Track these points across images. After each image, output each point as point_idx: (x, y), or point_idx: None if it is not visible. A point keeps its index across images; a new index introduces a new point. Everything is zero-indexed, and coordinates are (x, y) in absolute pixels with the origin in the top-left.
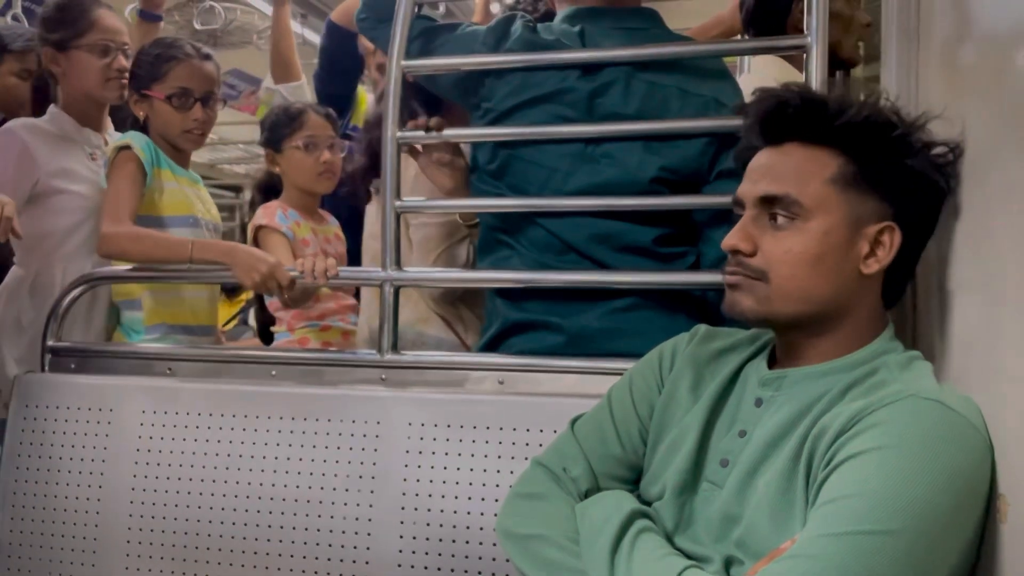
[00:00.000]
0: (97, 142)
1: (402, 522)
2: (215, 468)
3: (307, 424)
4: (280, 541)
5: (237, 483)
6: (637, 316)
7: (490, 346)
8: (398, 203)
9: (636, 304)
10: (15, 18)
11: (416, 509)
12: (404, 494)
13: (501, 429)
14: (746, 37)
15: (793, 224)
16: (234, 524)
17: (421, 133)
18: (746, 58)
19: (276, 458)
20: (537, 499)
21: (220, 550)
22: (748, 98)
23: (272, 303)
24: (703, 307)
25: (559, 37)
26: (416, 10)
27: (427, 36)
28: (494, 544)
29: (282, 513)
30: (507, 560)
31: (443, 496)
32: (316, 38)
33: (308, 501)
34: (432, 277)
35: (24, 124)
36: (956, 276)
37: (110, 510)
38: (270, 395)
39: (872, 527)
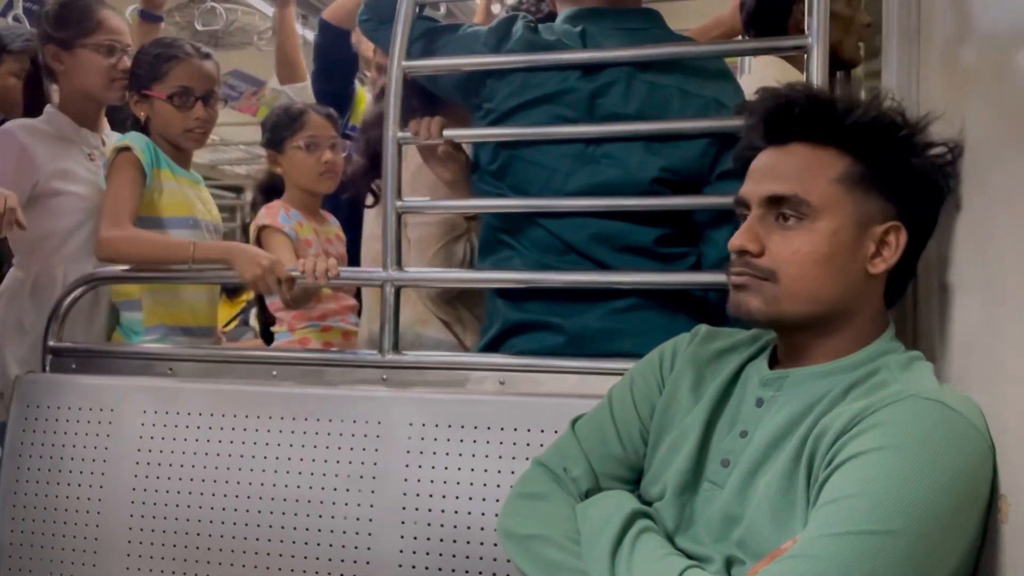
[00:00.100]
0: (95, 142)
1: (403, 522)
2: (216, 468)
3: (308, 424)
4: (281, 541)
5: (238, 483)
6: (638, 316)
7: (491, 346)
8: (399, 203)
9: (637, 304)
10: (16, 19)
11: (417, 509)
12: (405, 494)
13: (502, 429)
14: (747, 38)
15: (801, 224)
16: (235, 524)
17: (422, 134)
18: (747, 59)
19: (277, 458)
20: (538, 499)
21: (221, 550)
22: (749, 99)
23: (273, 303)
24: (704, 308)
25: (560, 37)
26: (417, 11)
27: (429, 37)
28: (495, 544)
29: (283, 513)
30: (508, 560)
31: (444, 496)
32: None
33: (309, 501)
34: (433, 277)
35: (22, 125)
36: (957, 276)
37: (111, 510)
38: (271, 395)
39: (873, 527)
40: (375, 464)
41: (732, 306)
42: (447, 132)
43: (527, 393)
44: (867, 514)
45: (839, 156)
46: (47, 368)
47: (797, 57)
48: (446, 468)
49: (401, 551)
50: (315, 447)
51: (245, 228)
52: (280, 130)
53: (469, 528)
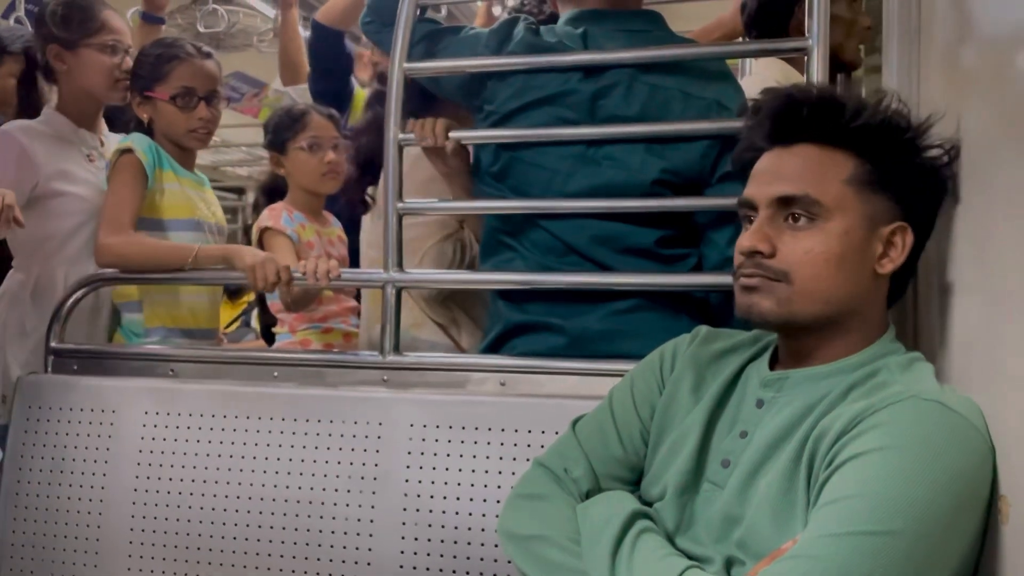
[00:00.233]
0: (93, 143)
1: (403, 523)
2: (217, 469)
3: (309, 425)
4: (282, 542)
5: (239, 484)
6: (639, 318)
7: (492, 348)
8: (400, 204)
9: (638, 306)
10: (18, 21)
11: (418, 510)
12: (406, 495)
13: (503, 430)
14: (748, 39)
15: (813, 224)
16: (236, 525)
17: (428, 137)
18: (748, 60)
19: (278, 459)
20: (538, 500)
21: (222, 551)
22: (755, 99)
23: (274, 304)
24: (705, 309)
25: (562, 39)
26: (419, 13)
27: (431, 39)
28: (496, 545)
29: (284, 514)
30: (508, 561)
31: (444, 497)
32: None
33: (310, 502)
34: (434, 278)
35: (20, 126)
36: (957, 277)
37: (112, 511)
38: (272, 396)
39: (873, 528)
40: (376, 465)
41: (742, 308)
42: (452, 134)
43: (528, 394)
44: (867, 514)
45: (847, 157)
46: (49, 369)
47: (798, 59)
48: (447, 469)
49: (402, 552)
50: (316, 448)
51: (247, 230)
52: (282, 131)
53: (470, 529)
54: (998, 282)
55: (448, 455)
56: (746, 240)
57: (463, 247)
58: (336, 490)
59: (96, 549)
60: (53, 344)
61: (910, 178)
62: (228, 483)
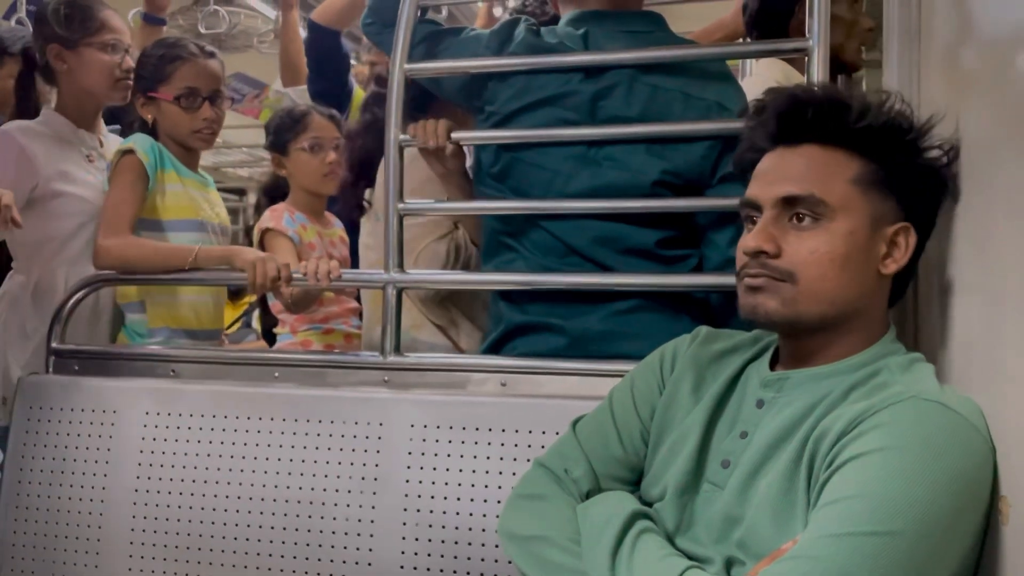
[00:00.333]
0: (93, 143)
1: (404, 524)
2: (218, 469)
3: (310, 426)
4: (283, 543)
5: (240, 484)
6: (640, 318)
7: (493, 348)
8: (401, 205)
9: (639, 306)
10: (20, 22)
11: (418, 511)
12: (406, 496)
13: (503, 431)
14: (749, 40)
15: (818, 224)
16: (237, 525)
17: (430, 138)
18: (748, 61)
19: (279, 459)
20: (538, 500)
21: (223, 551)
22: (758, 99)
23: (275, 305)
24: (706, 310)
25: (562, 40)
26: (419, 14)
27: (431, 40)
28: (496, 546)
29: (284, 514)
30: (509, 562)
31: (445, 498)
32: None
33: (311, 502)
34: (435, 279)
35: (19, 127)
36: (958, 277)
37: (113, 511)
38: (273, 397)
39: (874, 528)
40: (376, 465)
41: (746, 308)
42: (453, 135)
43: (528, 395)
44: (868, 515)
45: (851, 157)
46: (50, 370)
47: (799, 59)
48: (447, 469)
49: (403, 552)
50: (317, 448)
51: (248, 231)
52: (284, 132)
53: (471, 529)
54: (998, 282)
55: (449, 455)
56: (751, 240)
57: (458, 247)
58: (337, 490)
59: (97, 549)
60: (54, 345)
61: (913, 178)
62: (229, 483)
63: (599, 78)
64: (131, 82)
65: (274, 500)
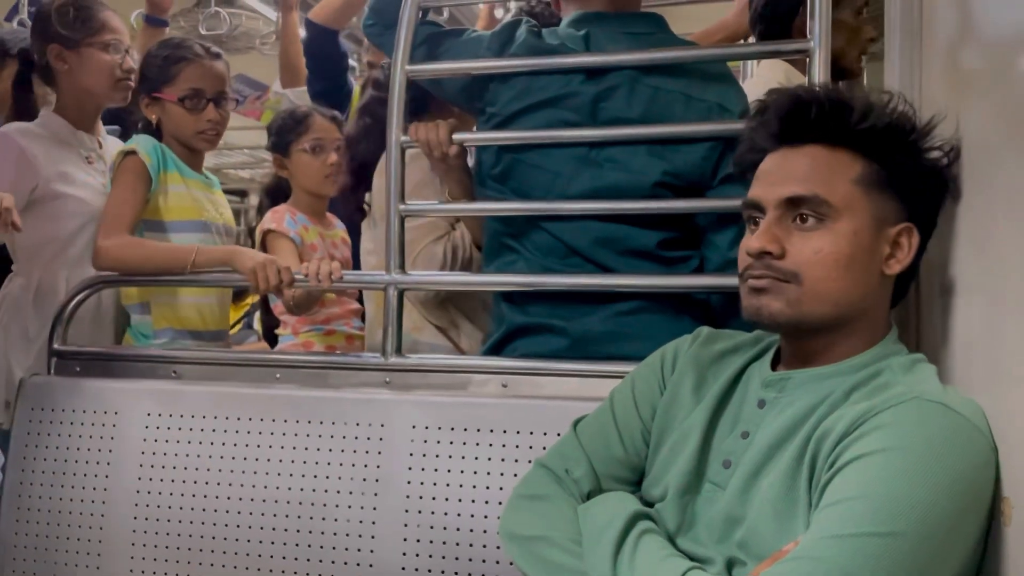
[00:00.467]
0: (92, 145)
1: (406, 525)
2: (219, 470)
3: (311, 427)
4: (284, 544)
5: (241, 485)
6: (641, 319)
7: (495, 349)
8: (402, 207)
9: (640, 308)
10: (21, 23)
11: (420, 512)
12: (408, 496)
13: (504, 432)
14: (751, 40)
15: (822, 225)
16: (238, 526)
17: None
18: (750, 63)
19: (280, 460)
20: (539, 500)
21: (224, 552)
22: (752, 103)
23: (277, 307)
24: (707, 311)
25: (564, 41)
26: (421, 16)
27: (432, 42)
28: (497, 547)
29: (286, 516)
30: (511, 563)
31: (447, 499)
32: None
33: (312, 503)
34: (436, 281)
35: (18, 128)
36: (959, 278)
37: (115, 512)
38: (274, 398)
39: (876, 529)
40: (378, 466)
41: (750, 310)
42: (455, 137)
43: (529, 396)
44: (870, 516)
45: (854, 158)
46: (52, 371)
47: (800, 60)
48: (449, 471)
49: (404, 553)
50: (318, 450)
51: (250, 232)
52: (285, 133)
53: (472, 531)
54: (999, 282)
55: (450, 457)
56: (755, 241)
57: (455, 248)
58: (338, 491)
59: (99, 551)
60: (56, 346)
61: (915, 179)
62: (230, 484)
63: (600, 79)
64: (131, 83)
65: (275, 501)
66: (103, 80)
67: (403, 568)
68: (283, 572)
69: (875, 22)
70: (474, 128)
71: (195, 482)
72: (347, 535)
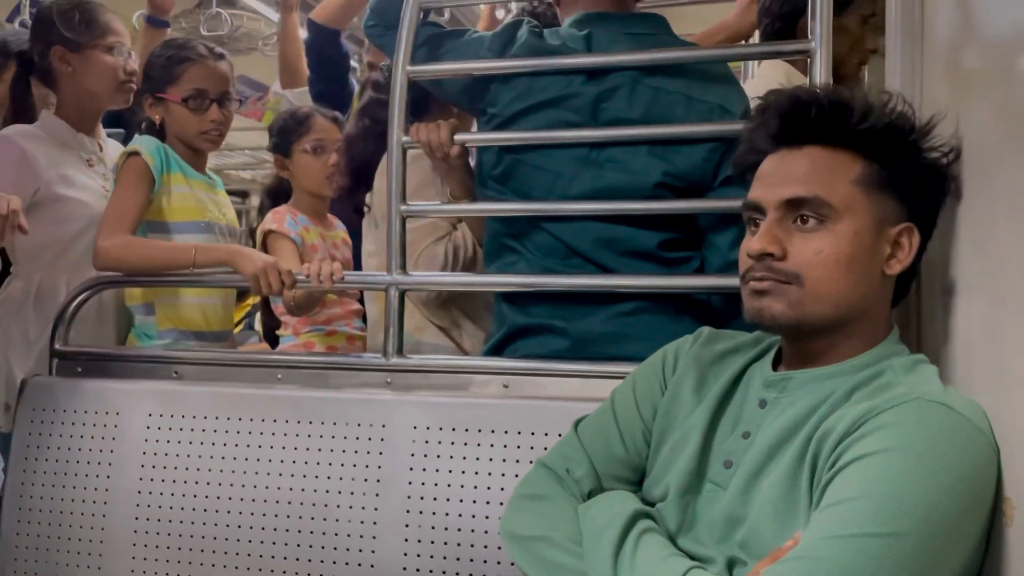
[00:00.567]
0: (92, 148)
1: (407, 525)
2: (220, 471)
3: (312, 427)
4: (285, 544)
5: (242, 486)
6: (642, 320)
7: (496, 350)
8: (404, 207)
9: (641, 308)
10: (23, 24)
11: (421, 512)
12: (409, 497)
13: (506, 432)
14: (752, 41)
15: (823, 226)
16: (239, 527)
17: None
18: (751, 63)
19: (281, 461)
20: (540, 500)
21: (225, 553)
22: (753, 103)
23: (278, 307)
24: (708, 311)
25: (565, 42)
26: (422, 16)
27: (433, 42)
28: (499, 547)
29: (287, 516)
30: (512, 563)
31: (448, 499)
32: None
33: (313, 504)
34: (437, 281)
35: (19, 131)
36: (960, 278)
37: (116, 513)
38: (275, 399)
39: (877, 529)
40: (379, 467)
41: (752, 311)
42: (456, 137)
43: (531, 396)
44: (872, 516)
45: (854, 158)
46: (53, 372)
47: (801, 61)
48: (450, 471)
49: (405, 553)
50: (319, 450)
51: (251, 232)
52: (287, 134)
53: (473, 531)
54: (1000, 282)
55: (451, 457)
56: (756, 243)
57: (456, 249)
58: (339, 492)
59: (100, 551)
60: (57, 346)
61: (915, 179)
62: (232, 485)
63: (601, 80)
64: (134, 85)
65: (277, 502)
66: (106, 82)
67: (404, 568)
68: (284, 572)
69: (878, 32)
70: (474, 128)
71: (196, 483)
72: (348, 535)
